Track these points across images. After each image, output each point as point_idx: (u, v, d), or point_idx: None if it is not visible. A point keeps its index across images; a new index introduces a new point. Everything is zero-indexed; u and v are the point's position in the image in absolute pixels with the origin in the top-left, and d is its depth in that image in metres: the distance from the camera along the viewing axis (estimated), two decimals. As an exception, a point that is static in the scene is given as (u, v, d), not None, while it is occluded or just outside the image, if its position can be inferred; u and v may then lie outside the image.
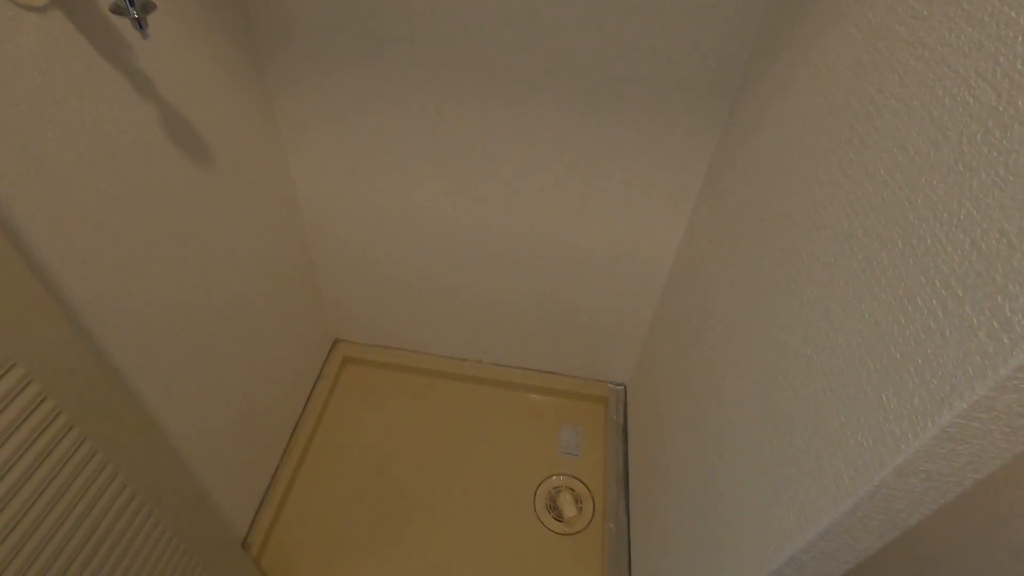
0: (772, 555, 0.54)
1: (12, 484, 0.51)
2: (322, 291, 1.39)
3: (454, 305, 1.35)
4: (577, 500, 1.29)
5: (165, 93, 0.75)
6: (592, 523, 1.27)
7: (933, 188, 0.40)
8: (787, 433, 0.55)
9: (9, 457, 0.51)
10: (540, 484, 1.32)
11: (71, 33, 0.60)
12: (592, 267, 1.19)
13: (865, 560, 0.50)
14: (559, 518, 1.26)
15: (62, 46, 0.59)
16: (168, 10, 0.75)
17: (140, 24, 0.58)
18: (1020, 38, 0.34)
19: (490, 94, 0.94)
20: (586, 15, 0.83)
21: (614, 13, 0.82)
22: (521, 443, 1.39)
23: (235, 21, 0.89)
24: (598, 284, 1.23)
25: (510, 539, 1.23)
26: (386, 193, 1.13)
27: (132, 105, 0.70)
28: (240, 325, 1.02)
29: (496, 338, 1.42)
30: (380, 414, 1.43)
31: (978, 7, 0.38)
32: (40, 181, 0.59)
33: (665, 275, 1.18)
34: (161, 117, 0.75)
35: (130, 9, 0.57)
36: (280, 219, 1.13)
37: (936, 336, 0.37)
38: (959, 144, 0.38)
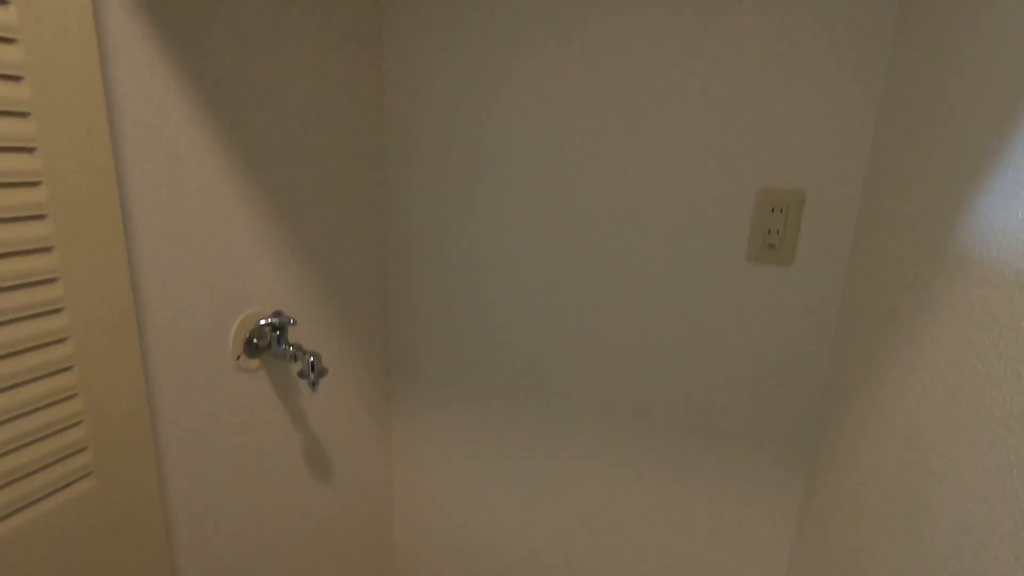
0: None
1: None
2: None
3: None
4: None
5: (313, 424, 0.94)
6: None
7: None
8: None
9: None
10: None
11: (266, 384, 0.82)
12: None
13: None
14: None
15: (261, 390, 0.81)
16: (335, 373, 0.99)
17: (314, 385, 0.78)
18: None
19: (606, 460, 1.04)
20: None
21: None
22: None
23: (379, 366, 1.13)
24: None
25: None
26: (489, 547, 1.18)
27: (286, 433, 0.88)
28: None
29: None
30: None
31: None
32: (204, 479, 0.73)
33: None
34: (304, 444, 0.93)
35: (311, 375, 0.78)
36: (372, 549, 1.20)
37: None
38: None
